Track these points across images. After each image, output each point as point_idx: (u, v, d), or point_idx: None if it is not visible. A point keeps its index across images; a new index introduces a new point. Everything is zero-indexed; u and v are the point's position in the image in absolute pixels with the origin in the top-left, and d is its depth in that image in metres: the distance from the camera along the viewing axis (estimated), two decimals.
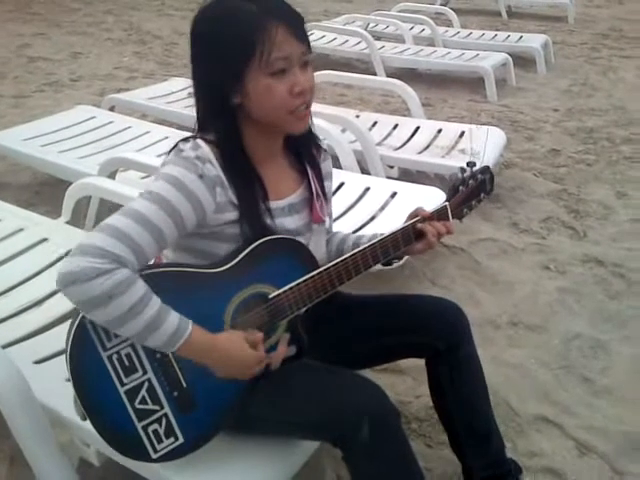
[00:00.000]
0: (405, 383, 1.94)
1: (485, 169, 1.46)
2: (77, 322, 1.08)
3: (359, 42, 5.37)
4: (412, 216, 1.37)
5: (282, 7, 1.13)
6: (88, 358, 1.09)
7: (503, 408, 1.86)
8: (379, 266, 1.38)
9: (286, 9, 1.13)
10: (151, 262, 1.22)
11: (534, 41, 5.62)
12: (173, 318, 1.07)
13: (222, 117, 1.17)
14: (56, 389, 1.40)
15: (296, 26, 1.12)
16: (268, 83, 1.11)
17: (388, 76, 4.68)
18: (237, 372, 1.16)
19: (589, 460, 1.72)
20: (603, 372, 2.04)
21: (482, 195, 1.46)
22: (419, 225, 1.33)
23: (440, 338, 1.42)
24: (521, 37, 5.81)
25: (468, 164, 1.43)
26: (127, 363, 1.11)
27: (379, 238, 1.30)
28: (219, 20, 1.13)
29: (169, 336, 1.06)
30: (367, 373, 1.54)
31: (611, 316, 2.32)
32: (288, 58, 1.11)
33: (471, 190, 1.43)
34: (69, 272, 1.00)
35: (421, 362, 1.49)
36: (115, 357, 1.10)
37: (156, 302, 1.05)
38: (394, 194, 2.54)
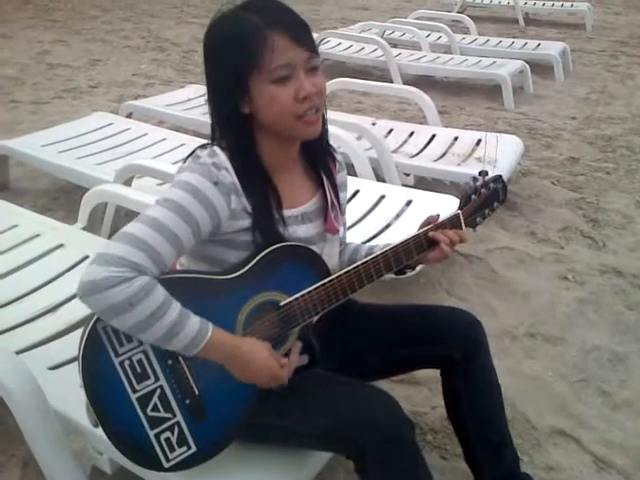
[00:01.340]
0: (421, 394, 1.92)
1: (497, 178, 1.45)
2: (89, 327, 1.09)
3: (375, 49, 5.36)
4: (424, 224, 1.36)
5: (282, 15, 1.13)
6: (100, 364, 1.09)
7: (519, 421, 1.84)
8: (393, 275, 1.37)
9: (287, 17, 1.14)
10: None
11: (552, 48, 5.59)
12: (194, 322, 1.08)
13: (234, 127, 1.18)
14: (70, 395, 1.40)
15: (297, 32, 1.12)
16: (272, 91, 1.12)
17: (405, 83, 4.68)
18: (256, 378, 1.16)
19: (607, 475, 1.69)
20: (621, 385, 2.00)
21: (495, 204, 1.45)
22: (431, 233, 1.33)
23: (456, 349, 1.40)
24: (539, 44, 5.79)
25: (480, 173, 1.43)
26: (139, 369, 1.11)
27: (391, 246, 1.29)
28: (223, 33, 1.15)
29: (190, 340, 1.07)
30: (382, 384, 1.53)
31: (630, 327, 2.28)
32: (290, 65, 1.12)
33: (484, 199, 1.42)
34: (90, 281, 1.01)
35: (437, 373, 1.48)
36: (127, 363, 1.10)
37: (176, 307, 1.06)
38: (409, 202, 2.53)
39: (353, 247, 1.47)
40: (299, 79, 1.13)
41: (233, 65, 1.13)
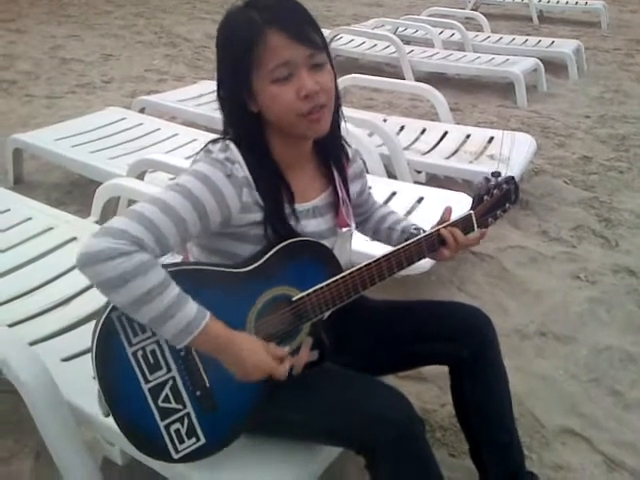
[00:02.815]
0: (431, 391, 1.92)
1: (510, 179, 1.46)
2: (104, 316, 1.09)
3: (388, 46, 5.35)
4: (440, 222, 1.37)
5: (283, 12, 1.11)
6: (114, 353, 1.10)
7: (529, 419, 1.83)
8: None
9: (287, 13, 1.11)
10: (178, 258, 1.23)
11: (566, 46, 5.55)
12: (191, 307, 1.05)
13: (245, 124, 1.17)
14: (83, 387, 1.41)
15: (296, 29, 1.10)
16: (273, 90, 1.11)
17: (417, 80, 4.66)
18: (251, 376, 1.13)
19: (617, 476, 1.68)
20: (633, 385, 1.99)
21: (507, 205, 1.47)
22: (443, 232, 1.34)
23: (465, 346, 1.40)
24: (552, 42, 5.75)
25: (493, 174, 1.44)
26: (152, 360, 1.12)
27: (403, 245, 1.29)
28: (226, 32, 1.15)
29: (184, 325, 1.04)
30: (392, 380, 1.53)
31: None
32: (289, 63, 1.10)
33: (496, 200, 1.43)
34: (89, 252, 1.00)
35: (447, 370, 1.47)
36: (140, 354, 1.11)
37: (174, 289, 1.04)
38: (421, 199, 2.53)
39: (379, 216, 1.50)
40: (300, 77, 1.10)
41: (235, 65, 1.12)
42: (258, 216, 1.17)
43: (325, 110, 1.15)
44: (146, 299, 1.01)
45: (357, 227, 1.43)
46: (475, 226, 1.40)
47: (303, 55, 1.10)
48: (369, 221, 1.50)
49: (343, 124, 1.28)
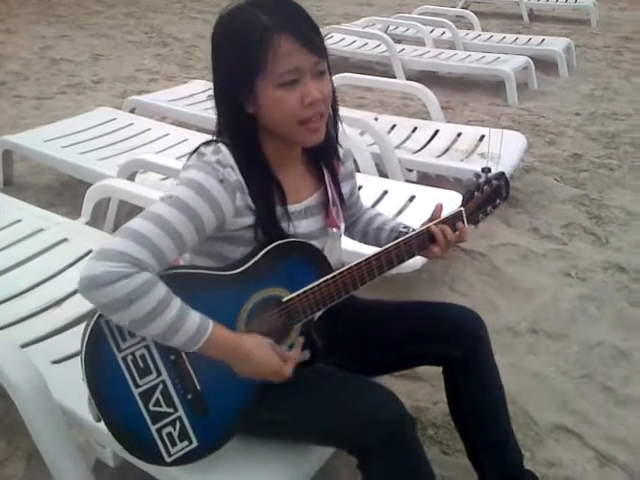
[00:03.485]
0: (423, 389, 1.93)
1: (500, 175, 1.45)
2: (92, 323, 1.09)
3: (379, 45, 5.35)
4: (430, 220, 1.36)
5: (292, 16, 1.11)
6: (103, 359, 1.09)
7: (521, 417, 1.84)
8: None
9: (298, 19, 1.11)
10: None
11: (556, 44, 5.57)
12: (194, 318, 1.07)
13: (239, 124, 1.17)
14: (74, 389, 1.39)
15: (307, 36, 1.10)
16: (278, 94, 1.10)
17: (408, 79, 4.67)
18: (256, 374, 1.16)
19: (609, 471, 1.69)
20: (625, 381, 2.00)
21: (498, 201, 1.45)
22: (433, 229, 1.33)
23: (458, 346, 1.40)
24: (543, 40, 5.77)
25: (483, 170, 1.43)
26: (142, 365, 1.11)
27: (393, 243, 1.28)
28: (230, 31, 1.13)
29: (190, 336, 1.07)
30: (384, 379, 1.53)
31: (633, 324, 2.28)
32: (298, 69, 1.10)
33: (487, 196, 1.42)
34: (90, 276, 1.01)
35: (439, 369, 1.47)
36: (130, 358, 1.11)
37: (176, 303, 1.06)
38: (412, 197, 2.53)
39: (367, 217, 1.49)
40: (306, 84, 1.11)
41: (239, 65, 1.11)
42: (251, 219, 1.17)
43: (323, 119, 1.16)
44: (150, 317, 1.03)
45: (345, 230, 1.42)
46: (465, 223, 1.38)
47: (311, 62, 1.10)
48: (357, 223, 1.50)
49: (340, 127, 1.28)
